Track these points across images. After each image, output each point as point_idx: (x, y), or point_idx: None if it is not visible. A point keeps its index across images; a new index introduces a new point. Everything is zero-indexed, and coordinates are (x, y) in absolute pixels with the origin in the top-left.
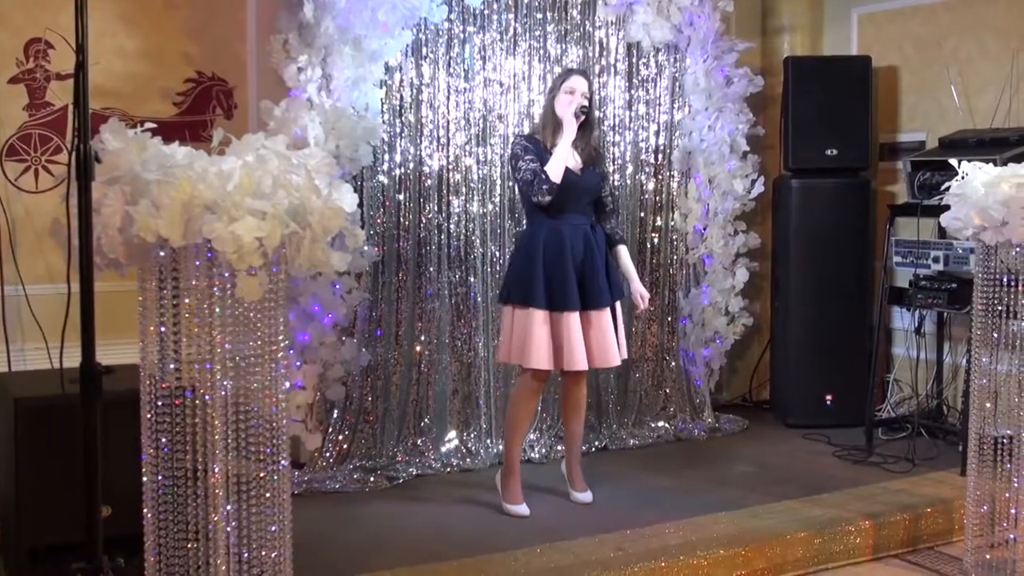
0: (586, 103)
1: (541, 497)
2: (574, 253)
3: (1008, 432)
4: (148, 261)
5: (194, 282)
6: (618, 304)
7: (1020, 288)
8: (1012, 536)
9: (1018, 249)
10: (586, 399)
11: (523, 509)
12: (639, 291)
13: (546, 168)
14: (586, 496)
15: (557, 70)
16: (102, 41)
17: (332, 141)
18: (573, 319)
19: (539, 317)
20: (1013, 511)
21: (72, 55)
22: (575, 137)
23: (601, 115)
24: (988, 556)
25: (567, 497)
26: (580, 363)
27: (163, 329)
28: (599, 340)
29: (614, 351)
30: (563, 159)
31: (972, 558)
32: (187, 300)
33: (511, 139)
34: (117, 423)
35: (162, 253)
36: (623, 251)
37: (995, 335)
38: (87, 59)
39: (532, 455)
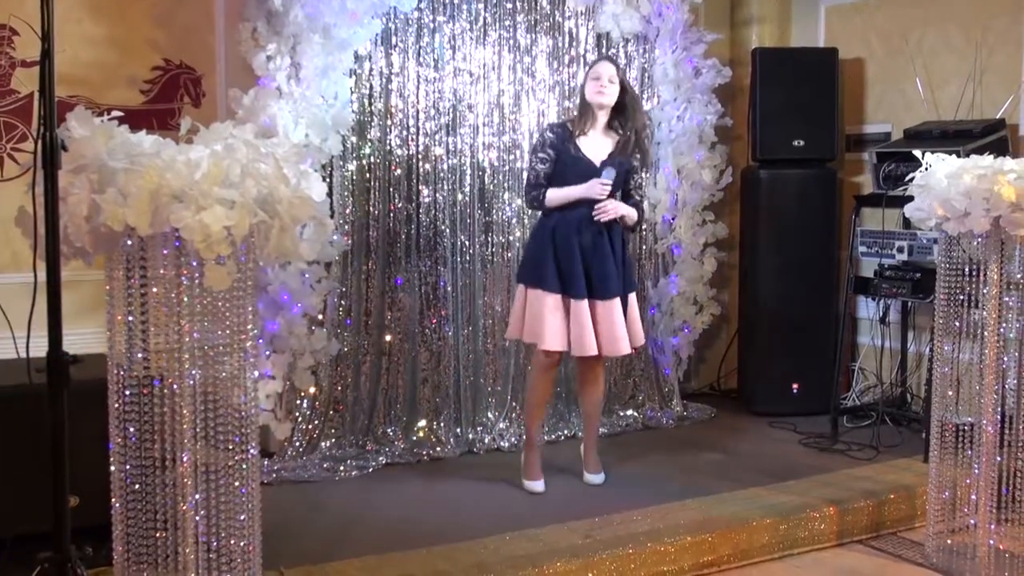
0: (609, 186)
1: (511, 485)
2: (582, 242)
3: (969, 419)
4: (115, 250)
5: (162, 271)
6: (632, 296)
7: (981, 278)
8: (972, 521)
9: (980, 239)
10: (603, 386)
11: (536, 485)
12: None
13: (549, 191)
14: (596, 478)
15: (526, 60)
16: (67, 28)
17: (301, 130)
18: (582, 306)
19: (551, 300)
20: (973, 497)
21: (37, 42)
22: (607, 120)
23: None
24: (949, 541)
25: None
26: (590, 349)
27: (131, 318)
28: (607, 329)
29: (621, 341)
30: (568, 198)
31: (934, 543)
32: (155, 289)
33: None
34: (84, 413)
35: (129, 242)
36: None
37: (957, 324)
38: (53, 46)
39: (502, 444)
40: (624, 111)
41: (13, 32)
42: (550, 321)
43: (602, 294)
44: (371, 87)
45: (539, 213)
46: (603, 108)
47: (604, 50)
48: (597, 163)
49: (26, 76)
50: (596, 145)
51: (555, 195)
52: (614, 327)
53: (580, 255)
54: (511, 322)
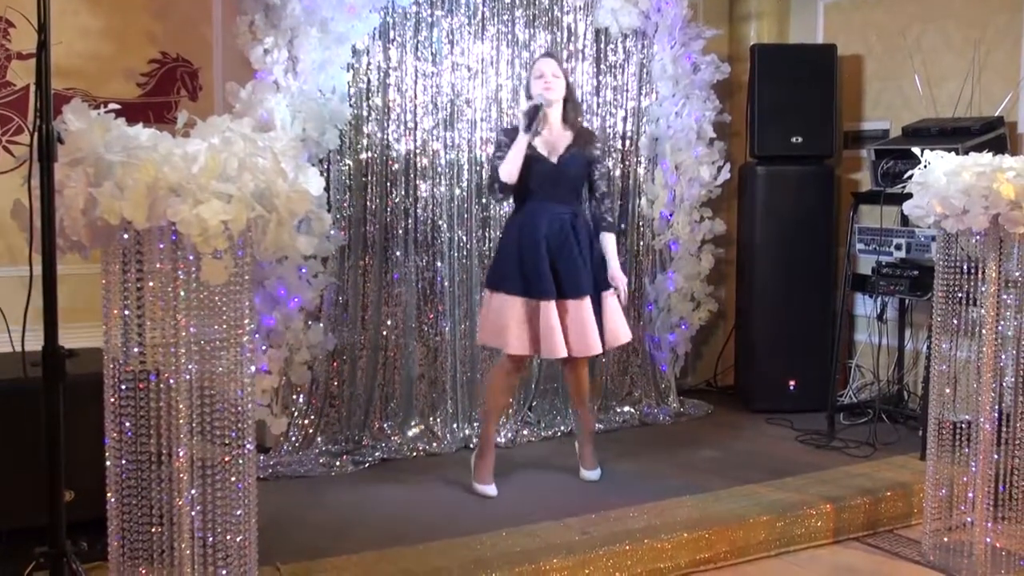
0: (537, 105)
1: (507, 481)
2: (548, 241)
3: (966, 417)
4: (112, 244)
5: (158, 265)
6: (610, 293)
7: (980, 275)
8: (969, 519)
9: (978, 237)
10: (588, 383)
11: (490, 489)
12: (613, 275)
13: (500, 164)
14: (592, 474)
15: (525, 55)
16: (64, 20)
17: (298, 124)
18: (549, 307)
19: (513, 303)
20: (970, 495)
21: (33, 34)
22: (551, 121)
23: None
24: (946, 539)
25: (534, 481)
26: (559, 351)
27: (127, 312)
28: (576, 329)
29: (591, 340)
30: (516, 159)
31: (930, 541)
32: (151, 283)
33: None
34: (80, 407)
35: (126, 236)
36: (606, 238)
37: (955, 322)
38: (49, 38)
39: (499, 439)
40: (568, 107)
41: (9, 24)
42: (513, 325)
43: (572, 293)
44: (369, 81)
45: (510, 212)
46: (551, 104)
47: (603, 46)
48: (555, 160)
49: (22, 68)
50: (552, 142)
51: (505, 164)
52: (585, 326)
53: (547, 254)
54: (479, 327)
